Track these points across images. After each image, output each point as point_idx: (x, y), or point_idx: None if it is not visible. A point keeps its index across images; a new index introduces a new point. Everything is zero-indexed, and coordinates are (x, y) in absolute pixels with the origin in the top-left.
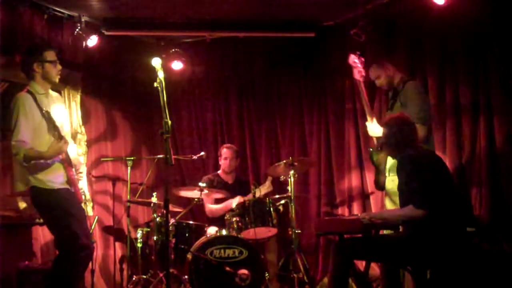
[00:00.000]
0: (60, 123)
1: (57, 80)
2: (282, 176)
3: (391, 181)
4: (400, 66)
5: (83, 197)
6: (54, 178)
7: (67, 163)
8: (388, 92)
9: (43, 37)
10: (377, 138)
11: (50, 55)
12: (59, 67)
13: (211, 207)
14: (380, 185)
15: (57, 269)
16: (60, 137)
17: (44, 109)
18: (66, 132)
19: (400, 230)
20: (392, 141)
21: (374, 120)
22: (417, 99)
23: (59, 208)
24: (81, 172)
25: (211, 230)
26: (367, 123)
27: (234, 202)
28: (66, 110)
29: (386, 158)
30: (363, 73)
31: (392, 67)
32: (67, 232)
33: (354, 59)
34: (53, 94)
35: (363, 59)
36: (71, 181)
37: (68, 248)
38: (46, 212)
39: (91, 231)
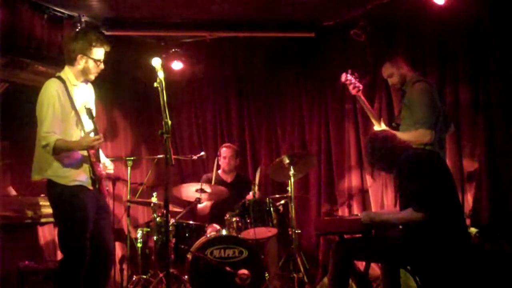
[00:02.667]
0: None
1: (93, 78)
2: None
3: None
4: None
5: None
6: (75, 174)
7: (96, 159)
8: (398, 93)
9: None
10: None
11: (99, 53)
12: (102, 66)
13: (200, 206)
14: None
15: (59, 272)
16: (96, 132)
17: (76, 100)
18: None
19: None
20: (376, 161)
21: (382, 124)
22: (421, 102)
23: (69, 206)
24: (110, 169)
25: (212, 229)
26: (375, 128)
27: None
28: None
29: None
30: (360, 86)
31: (406, 66)
32: (69, 234)
33: (347, 78)
34: (85, 86)
35: (356, 74)
36: (97, 177)
37: (65, 249)
38: (55, 207)
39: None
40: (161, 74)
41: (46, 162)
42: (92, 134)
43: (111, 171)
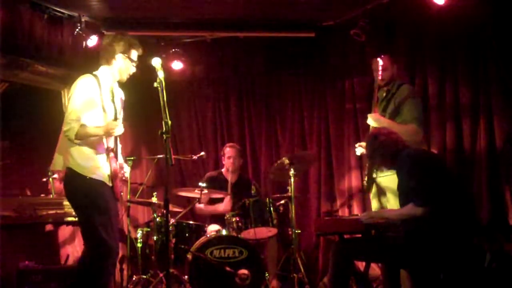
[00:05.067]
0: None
1: (125, 79)
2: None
3: (378, 183)
4: (400, 66)
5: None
6: (95, 168)
7: (115, 154)
8: (379, 91)
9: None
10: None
11: (135, 55)
12: (134, 69)
13: (199, 206)
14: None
15: (81, 264)
16: (115, 119)
17: (106, 99)
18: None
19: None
20: (378, 157)
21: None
22: (414, 102)
23: (87, 198)
24: (125, 172)
25: (212, 228)
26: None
27: (221, 207)
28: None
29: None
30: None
31: (397, 67)
32: (88, 224)
33: (379, 64)
34: (117, 88)
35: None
36: (113, 174)
37: (88, 241)
38: (73, 198)
39: None
40: (161, 74)
41: (68, 152)
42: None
43: (126, 174)
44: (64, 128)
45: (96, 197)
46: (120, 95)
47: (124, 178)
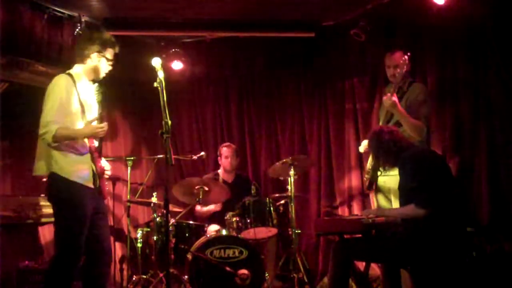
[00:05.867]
0: (94, 115)
1: (101, 77)
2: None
3: (383, 182)
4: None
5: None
6: (78, 170)
7: (98, 153)
8: (388, 89)
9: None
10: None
11: (111, 53)
12: (110, 67)
13: (197, 208)
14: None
15: (51, 269)
16: (100, 121)
17: (83, 97)
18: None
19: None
20: (381, 157)
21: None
22: (425, 101)
23: (70, 202)
24: (107, 170)
25: (212, 228)
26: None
27: (210, 207)
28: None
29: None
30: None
31: (403, 58)
32: (66, 231)
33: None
34: (92, 86)
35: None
36: (98, 173)
37: (60, 246)
38: (56, 202)
39: None
40: (161, 74)
41: (50, 156)
42: (95, 123)
43: (109, 173)
44: (41, 131)
45: (77, 203)
46: (96, 93)
47: (108, 177)
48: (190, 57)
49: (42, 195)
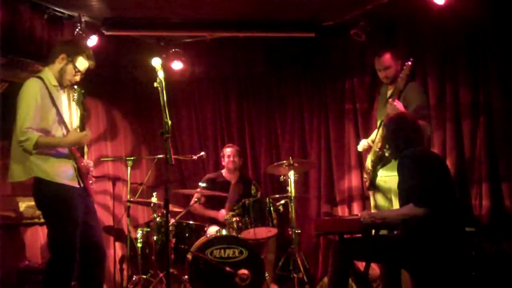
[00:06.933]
0: (68, 119)
1: (65, 85)
2: (282, 176)
3: (383, 182)
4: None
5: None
6: (62, 171)
7: (80, 153)
8: (383, 89)
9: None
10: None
11: (82, 64)
12: (77, 78)
13: (196, 206)
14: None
15: (48, 273)
16: (83, 128)
17: (56, 100)
18: (74, 128)
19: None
20: (392, 142)
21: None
22: (423, 99)
23: (61, 204)
24: (92, 168)
25: (212, 230)
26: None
27: (220, 216)
28: (73, 107)
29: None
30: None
31: (401, 64)
32: (59, 234)
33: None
34: (65, 89)
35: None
36: (81, 173)
37: (55, 249)
38: (46, 206)
39: None
40: (161, 74)
41: (28, 160)
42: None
43: (92, 170)
44: (20, 137)
45: (67, 205)
46: (76, 93)
47: (92, 174)
48: (190, 57)
49: None
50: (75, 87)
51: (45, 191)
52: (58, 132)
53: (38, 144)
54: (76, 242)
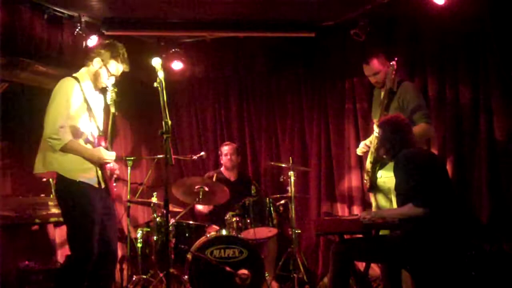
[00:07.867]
0: (99, 120)
1: (97, 88)
2: (282, 177)
3: (383, 182)
4: (399, 66)
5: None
6: (83, 169)
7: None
8: (376, 91)
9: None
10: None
11: (115, 68)
12: (112, 81)
13: (198, 207)
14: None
15: (65, 269)
16: (111, 148)
17: (89, 98)
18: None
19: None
20: (387, 143)
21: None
22: (420, 99)
23: (79, 204)
24: (115, 169)
25: (213, 230)
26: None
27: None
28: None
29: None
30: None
31: (387, 64)
32: (79, 232)
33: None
34: (98, 93)
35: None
36: (105, 174)
37: (75, 247)
38: (65, 203)
39: None
40: (161, 74)
41: (50, 154)
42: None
43: (118, 172)
44: (53, 135)
45: (86, 204)
46: (111, 92)
47: (116, 176)
48: (190, 57)
49: (42, 195)
50: (110, 86)
51: (65, 189)
52: (89, 127)
53: (67, 147)
54: (95, 241)
